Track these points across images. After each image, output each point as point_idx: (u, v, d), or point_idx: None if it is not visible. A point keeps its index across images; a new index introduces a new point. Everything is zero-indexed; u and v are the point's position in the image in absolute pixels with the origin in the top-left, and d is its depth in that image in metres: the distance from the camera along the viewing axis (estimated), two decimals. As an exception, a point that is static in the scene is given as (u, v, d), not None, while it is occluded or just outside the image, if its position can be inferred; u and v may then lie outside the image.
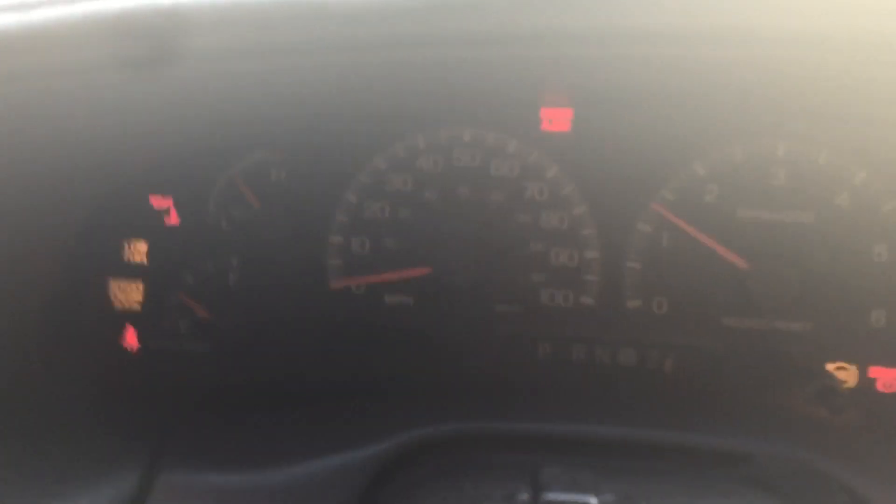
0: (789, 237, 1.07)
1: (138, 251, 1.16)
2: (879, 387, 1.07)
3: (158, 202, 1.16)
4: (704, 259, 1.09)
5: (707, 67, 0.95)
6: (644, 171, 1.10)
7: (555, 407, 0.97)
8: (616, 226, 1.11)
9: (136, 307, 1.16)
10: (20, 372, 1.05)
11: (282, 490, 0.84)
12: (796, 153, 1.08)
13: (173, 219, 1.16)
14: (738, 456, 0.87)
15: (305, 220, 1.15)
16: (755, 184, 1.08)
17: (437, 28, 0.90)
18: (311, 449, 0.88)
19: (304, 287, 1.15)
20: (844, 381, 1.06)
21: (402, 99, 1.08)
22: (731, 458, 0.88)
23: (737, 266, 1.08)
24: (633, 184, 1.11)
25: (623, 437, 0.91)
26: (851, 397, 1.04)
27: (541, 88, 1.05)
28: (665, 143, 1.10)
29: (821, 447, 0.92)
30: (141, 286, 1.16)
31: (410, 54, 0.93)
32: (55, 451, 0.91)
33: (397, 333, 1.14)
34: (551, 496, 0.74)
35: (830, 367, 1.07)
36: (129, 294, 1.17)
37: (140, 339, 1.16)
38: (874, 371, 1.07)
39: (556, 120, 1.12)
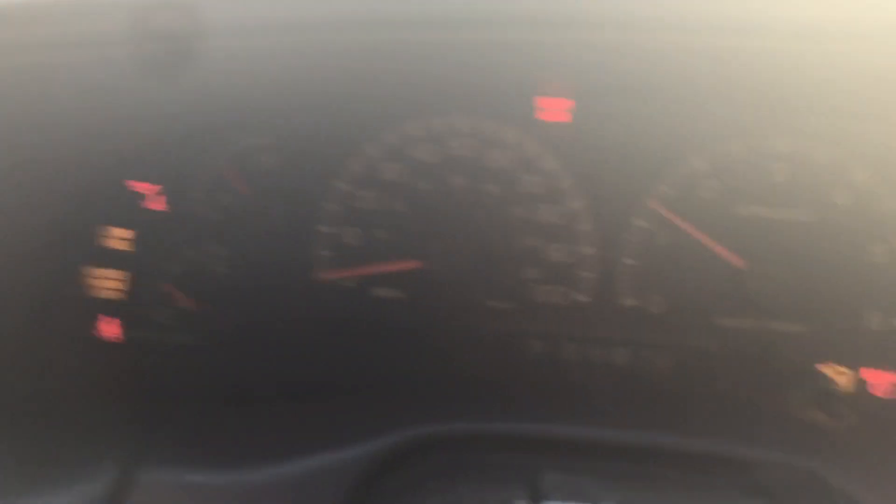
0: (787, 236, 1.06)
1: (122, 239, 1.13)
2: (872, 390, 1.06)
3: (144, 188, 1.13)
4: (701, 257, 1.07)
5: (709, 59, 0.93)
6: (643, 166, 1.08)
7: (547, 407, 0.96)
8: (613, 221, 1.09)
9: (119, 296, 1.13)
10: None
11: (265, 490, 0.83)
12: (798, 149, 1.06)
13: (159, 205, 1.13)
14: (737, 462, 0.87)
15: (295, 208, 1.12)
16: (755, 180, 1.06)
17: (433, 8, 0.87)
18: (296, 448, 0.86)
19: (292, 278, 1.12)
20: (838, 384, 1.06)
21: (396, 84, 1.05)
22: (728, 464, 0.87)
23: (734, 265, 1.06)
24: (631, 178, 1.08)
25: (615, 439, 0.90)
26: (846, 401, 1.03)
27: (540, 77, 1.03)
28: (665, 138, 1.08)
29: (815, 450, 0.91)
30: (124, 275, 1.13)
31: (406, 36, 0.90)
32: (30, 447, 0.89)
33: (386, 328, 1.11)
34: None
35: (824, 368, 1.06)
36: (111, 283, 1.13)
37: (122, 329, 1.13)
38: (867, 374, 1.06)
39: (556, 110, 1.09)
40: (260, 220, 1.13)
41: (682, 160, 1.08)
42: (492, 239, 1.10)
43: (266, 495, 0.83)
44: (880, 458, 0.95)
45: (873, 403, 1.06)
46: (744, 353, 1.07)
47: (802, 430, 0.99)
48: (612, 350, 1.10)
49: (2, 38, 0.88)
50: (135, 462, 0.85)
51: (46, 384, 1.04)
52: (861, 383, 1.06)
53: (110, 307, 1.13)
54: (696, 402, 1.06)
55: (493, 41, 0.91)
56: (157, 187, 1.12)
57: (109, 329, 1.13)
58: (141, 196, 1.12)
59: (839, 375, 1.06)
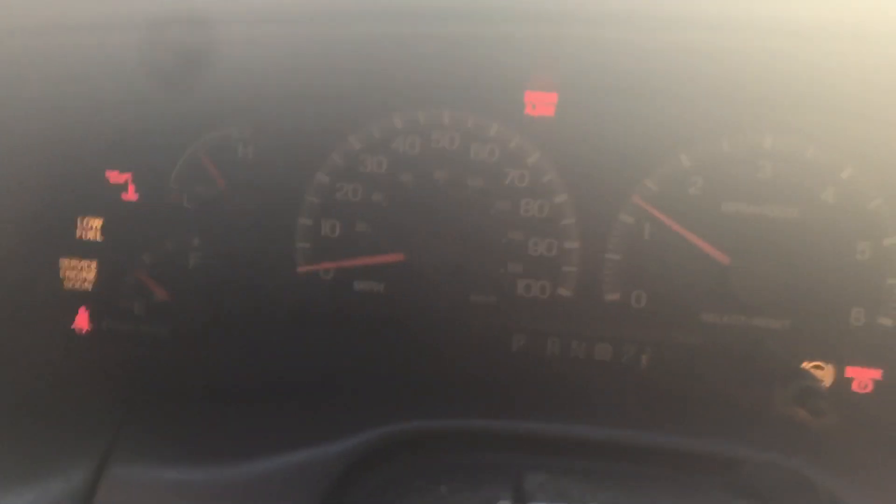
0: (773, 232, 1.06)
1: (93, 228, 1.10)
2: (855, 387, 1.06)
3: (115, 177, 1.10)
4: (686, 253, 1.06)
5: (696, 55, 0.93)
6: (628, 161, 1.07)
7: (529, 403, 0.94)
8: (597, 216, 1.08)
9: (88, 287, 1.10)
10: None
11: (240, 487, 0.80)
12: (783, 146, 1.06)
13: (131, 194, 1.10)
14: (720, 459, 0.85)
15: (273, 200, 1.10)
16: (740, 177, 1.06)
17: (420, 1, 0.85)
18: (272, 444, 0.83)
19: (270, 270, 1.10)
20: (821, 380, 1.05)
21: (380, 75, 1.03)
22: (712, 461, 0.86)
23: (718, 261, 1.06)
24: (616, 173, 1.08)
25: (599, 436, 0.89)
26: (830, 398, 1.03)
27: (526, 70, 1.01)
28: (651, 133, 1.07)
29: (798, 446, 0.91)
30: (94, 264, 1.10)
31: (390, 28, 0.89)
32: (1, 443, 0.85)
33: (367, 322, 1.09)
34: None
35: (807, 365, 1.06)
36: (81, 272, 1.10)
37: (93, 320, 1.10)
38: (851, 371, 1.06)
39: (540, 104, 1.08)
40: (237, 211, 1.10)
41: (666, 156, 1.07)
42: (475, 232, 1.09)
43: (242, 492, 0.80)
44: (863, 455, 0.95)
45: (856, 400, 1.06)
46: (727, 350, 1.07)
47: (786, 426, 0.98)
48: (595, 345, 1.09)
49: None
50: (108, 457, 0.82)
51: (19, 378, 1.00)
52: (844, 380, 1.06)
53: (81, 298, 1.09)
54: (679, 399, 1.05)
55: (480, 35, 0.90)
56: (126, 175, 1.09)
57: (81, 320, 1.09)
58: (118, 186, 1.09)
59: (822, 372, 1.06)
